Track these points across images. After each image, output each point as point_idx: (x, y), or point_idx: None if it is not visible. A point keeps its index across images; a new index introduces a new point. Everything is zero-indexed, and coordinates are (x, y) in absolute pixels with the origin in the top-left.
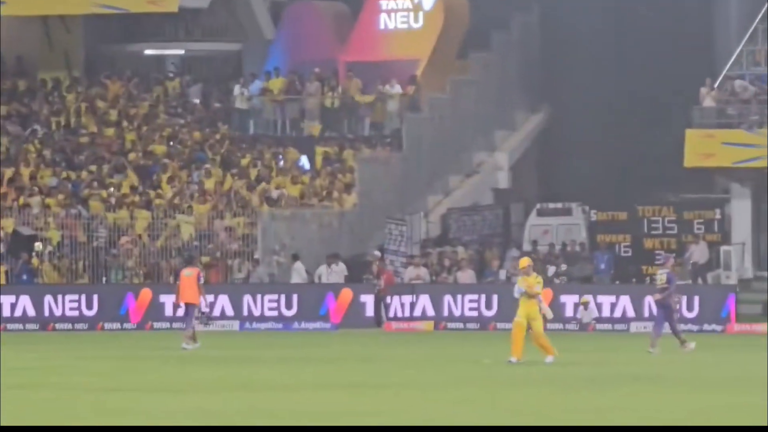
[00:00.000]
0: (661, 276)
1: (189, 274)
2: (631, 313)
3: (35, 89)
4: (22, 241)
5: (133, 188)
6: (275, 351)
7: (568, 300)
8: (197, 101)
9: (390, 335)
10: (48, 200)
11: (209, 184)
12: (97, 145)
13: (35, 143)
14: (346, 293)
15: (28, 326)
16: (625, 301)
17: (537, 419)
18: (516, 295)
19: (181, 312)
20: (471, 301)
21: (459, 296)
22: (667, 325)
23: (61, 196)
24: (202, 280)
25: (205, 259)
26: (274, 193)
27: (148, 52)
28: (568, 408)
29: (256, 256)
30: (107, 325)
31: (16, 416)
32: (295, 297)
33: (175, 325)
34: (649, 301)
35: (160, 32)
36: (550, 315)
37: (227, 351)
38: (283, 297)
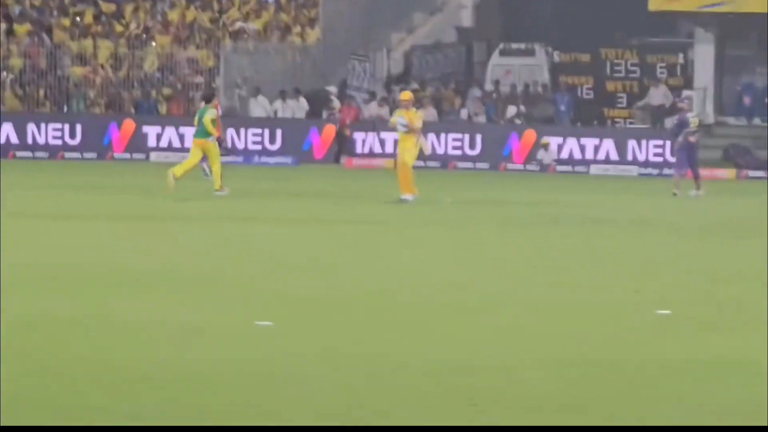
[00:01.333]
0: (693, 119)
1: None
2: (590, 155)
3: None
4: None
5: (96, 18)
6: (238, 183)
7: (529, 141)
8: None
9: (350, 172)
10: (13, 27)
11: (173, 15)
12: None
13: None
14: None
15: None
16: (585, 142)
17: (501, 253)
18: (399, 128)
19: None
20: (433, 139)
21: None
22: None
23: (25, 24)
24: (220, 112)
25: (166, 90)
26: (237, 26)
27: None
28: (515, 245)
29: (215, 86)
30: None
31: None
32: (258, 130)
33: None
34: (670, 143)
35: None
36: (427, 151)
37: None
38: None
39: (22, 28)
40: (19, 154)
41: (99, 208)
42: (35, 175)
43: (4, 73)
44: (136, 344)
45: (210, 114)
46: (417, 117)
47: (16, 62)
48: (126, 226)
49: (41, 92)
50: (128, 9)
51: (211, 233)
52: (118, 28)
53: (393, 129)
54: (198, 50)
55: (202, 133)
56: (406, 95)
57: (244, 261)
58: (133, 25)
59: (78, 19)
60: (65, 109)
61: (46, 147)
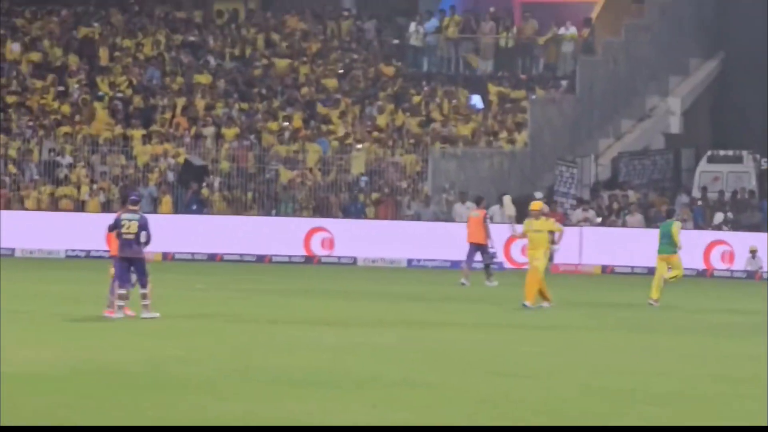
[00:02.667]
0: None
1: (476, 215)
2: None
3: (210, 20)
4: (193, 171)
5: (305, 122)
6: (439, 288)
7: (738, 248)
8: (371, 37)
9: (556, 278)
10: (221, 130)
11: (381, 121)
12: (270, 78)
13: (208, 74)
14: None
15: (197, 256)
16: None
17: (699, 365)
18: (515, 233)
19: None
20: (640, 245)
21: (628, 240)
22: None
23: (233, 128)
24: (488, 222)
25: (374, 195)
26: (446, 131)
27: None
28: (726, 354)
29: (425, 193)
30: (275, 258)
31: (181, 344)
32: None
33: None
34: None
35: None
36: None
37: (396, 287)
38: (449, 236)
39: (230, 132)
40: (227, 257)
41: (307, 312)
42: (242, 278)
43: (212, 177)
44: None
45: (677, 227)
46: (549, 225)
47: (225, 165)
48: (329, 330)
49: (249, 195)
50: (336, 113)
51: (403, 337)
52: (327, 132)
53: (523, 237)
54: (405, 155)
55: (668, 247)
56: (536, 205)
57: (439, 364)
58: (341, 130)
59: (287, 123)
60: (273, 212)
61: (253, 250)
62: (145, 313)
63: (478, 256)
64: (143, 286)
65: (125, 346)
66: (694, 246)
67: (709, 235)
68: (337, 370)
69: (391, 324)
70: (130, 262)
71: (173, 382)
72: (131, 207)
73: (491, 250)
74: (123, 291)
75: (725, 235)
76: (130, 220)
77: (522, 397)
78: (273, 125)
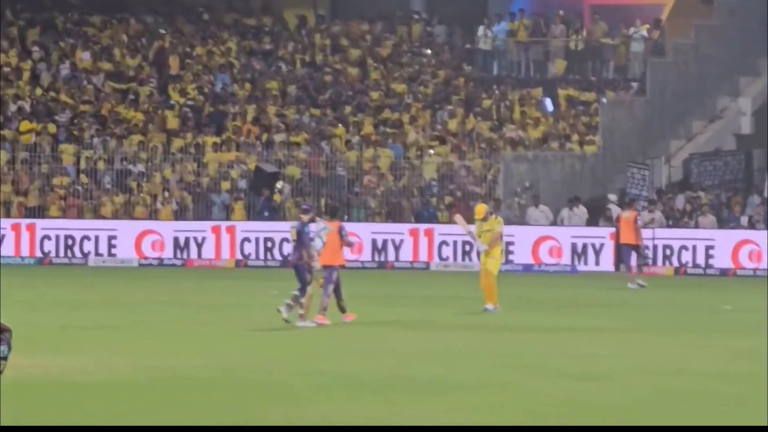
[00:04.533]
0: None
1: (627, 216)
2: None
3: (280, 27)
4: (265, 178)
5: (375, 127)
6: (515, 290)
7: None
8: (441, 41)
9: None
10: (291, 137)
11: (452, 125)
12: (340, 84)
13: (279, 81)
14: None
15: (270, 263)
16: None
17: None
18: (480, 250)
19: None
20: (711, 247)
21: (699, 242)
22: None
23: (304, 134)
24: (640, 222)
25: (447, 199)
26: (517, 135)
27: None
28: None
29: (497, 197)
30: (348, 264)
31: (256, 351)
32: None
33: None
34: None
35: None
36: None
37: (468, 290)
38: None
39: (301, 138)
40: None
41: (379, 316)
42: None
43: (281, 184)
44: None
45: None
46: (498, 223)
47: (296, 172)
48: (406, 333)
49: (321, 201)
50: (407, 118)
51: (481, 341)
52: (398, 136)
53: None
54: (477, 159)
55: None
56: (480, 210)
57: (513, 367)
58: (412, 135)
59: (358, 128)
60: (345, 218)
61: None
62: (300, 321)
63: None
64: (302, 294)
65: (202, 353)
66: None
67: None
68: (410, 374)
69: (464, 328)
70: (295, 269)
71: (249, 388)
72: (301, 216)
73: (645, 251)
74: (296, 292)
75: None
76: (292, 228)
77: (593, 399)
78: (343, 131)
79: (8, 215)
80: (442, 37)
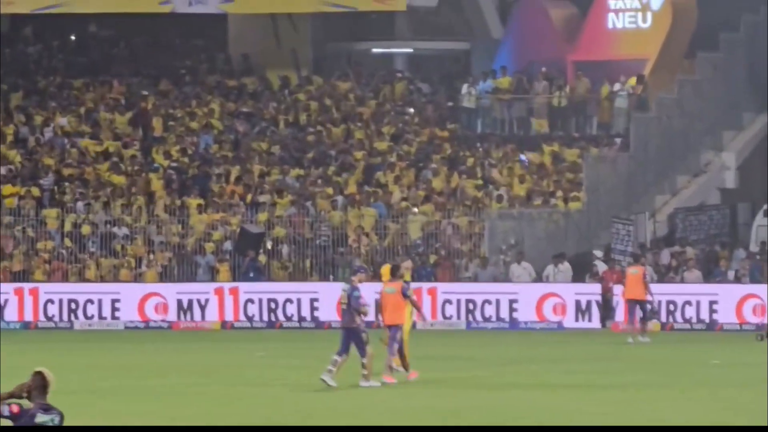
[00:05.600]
0: None
1: (635, 272)
2: None
3: (263, 88)
4: (250, 239)
5: (359, 186)
6: (498, 350)
7: None
8: (424, 100)
9: (616, 336)
10: (276, 198)
11: (436, 183)
12: (324, 144)
13: (262, 141)
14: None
15: (256, 324)
16: None
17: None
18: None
19: None
20: (697, 302)
21: (685, 297)
22: None
23: (288, 195)
24: (648, 278)
25: (432, 258)
26: (501, 192)
27: (375, 50)
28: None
29: (483, 254)
30: (335, 324)
31: (237, 412)
32: (518, 297)
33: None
34: None
35: (389, 31)
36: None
37: (455, 350)
38: (506, 297)
39: (285, 199)
40: (286, 324)
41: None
42: (301, 345)
43: (269, 243)
44: None
45: None
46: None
47: (281, 232)
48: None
49: (307, 262)
50: (391, 177)
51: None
52: (382, 196)
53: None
54: (462, 217)
55: None
56: (386, 271)
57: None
58: (396, 194)
59: (340, 188)
60: (331, 278)
61: (313, 318)
62: (363, 382)
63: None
64: (362, 355)
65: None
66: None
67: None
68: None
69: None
70: (347, 332)
71: None
72: (352, 278)
73: (652, 306)
74: (337, 357)
75: None
76: (343, 290)
77: None
78: (328, 191)
79: None
80: (425, 96)
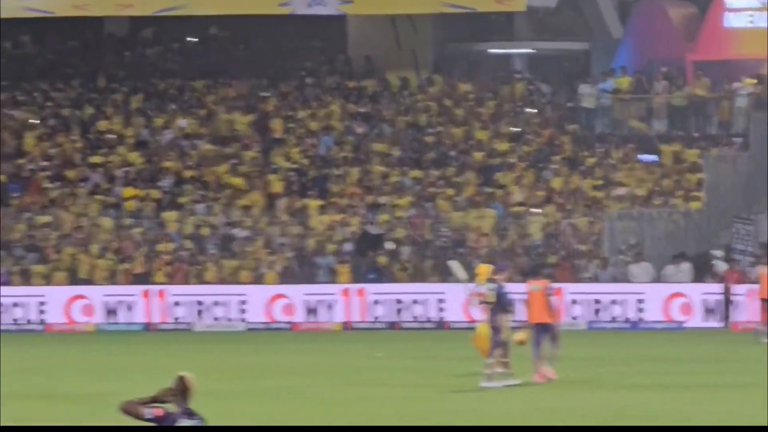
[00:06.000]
0: None
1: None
2: None
3: (383, 89)
4: (370, 240)
5: (479, 187)
6: (618, 350)
7: None
8: (544, 100)
9: (738, 335)
10: (395, 199)
11: (556, 184)
12: (443, 144)
13: (382, 142)
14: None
15: (377, 325)
16: None
17: None
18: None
19: None
20: None
21: None
22: None
23: (408, 196)
24: None
25: (552, 258)
26: (621, 192)
27: (494, 51)
28: None
29: (602, 255)
30: (454, 325)
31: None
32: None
33: None
34: None
35: (508, 31)
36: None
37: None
38: (628, 297)
39: (405, 200)
40: (405, 324)
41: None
42: (422, 346)
43: (390, 244)
44: None
45: None
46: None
47: (400, 233)
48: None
49: (427, 263)
50: (510, 178)
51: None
52: (502, 197)
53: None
54: (581, 217)
55: None
56: (483, 270)
57: None
58: (516, 194)
59: (460, 189)
60: (450, 279)
61: (439, 319)
62: (485, 382)
63: None
64: (490, 354)
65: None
66: None
67: None
68: None
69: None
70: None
71: None
72: (496, 277)
73: None
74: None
75: None
76: (489, 290)
77: None
78: (448, 192)
79: (114, 282)
80: (545, 96)
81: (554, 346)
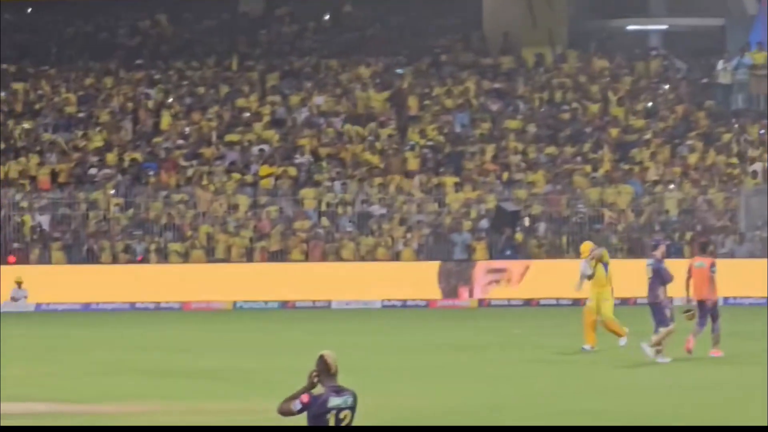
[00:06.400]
0: None
1: None
2: None
3: (518, 65)
4: (506, 217)
5: (615, 163)
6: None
7: None
8: (679, 76)
9: None
10: (531, 176)
11: (692, 160)
12: (579, 121)
13: (517, 119)
14: None
15: (513, 302)
16: None
17: None
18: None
19: None
20: None
21: None
22: None
23: (543, 172)
24: None
25: (688, 234)
26: (757, 168)
27: (630, 27)
28: None
29: (740, 231)
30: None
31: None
32: None
33: None
34: None
35: (643, 8)
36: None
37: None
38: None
39: (541, 176)
40: (543, 302)
41: (620, 353)
42: (557, 322)
43: (527, 220)
44: None
45: None
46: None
47: (537, 210)
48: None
49: (563, 239)
50: (646, 154)
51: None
52: (638, 173)
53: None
54: (717, 193)
55: None
56: (587, 247)
57: None
58: (652, 170)
59: (595, 165)
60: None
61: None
62: (656, 356)
63: None
64: (656, 330)
65: (440, 393)
66: None
67: None
68: (656, 411)
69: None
70: (651, 307)
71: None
72: (654, 253)
73: None
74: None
75: None
76: (648, 266)
77: None
78: (585, 168)
79: (250, 260)
80: (681, 72)
81: (715, 324)
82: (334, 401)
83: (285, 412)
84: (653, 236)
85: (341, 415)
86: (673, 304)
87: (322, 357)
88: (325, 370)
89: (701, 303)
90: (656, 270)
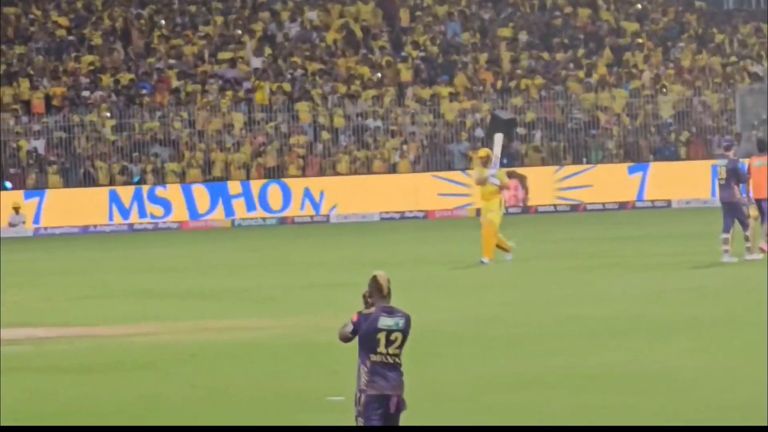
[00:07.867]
0: None
1: None
2: None
3: None
4: (501, 125)
5: (609, 68)
6: None
7: None
8: None
9: None
10: (525, 83)
11: (685, 62)
12: (571, 27)
13: (510, 27)
14: None
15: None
16: None
17: None
18: (492, 182)
19: None
20: None
21: None
22: None
23: (537, 79)
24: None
25: (685, 135)
26: (751, 68)
27: None
28: None
29: (735, 131)
30: (589, 207)
31: (498, 300)
32: None
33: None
34: None
35: None
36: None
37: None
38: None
39: (535, 83)
40: (541, 209)
41: (619, 259)
42: (555, 228)
43: (521, 129)
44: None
45: None
46: (503, 175)
47: (531, 117)
48: (640, 276)
49: (561, 145)
50: (640, 58)
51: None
52: (631, 77)
53: (481, 184)
54: (712, 94)
55: None
56: (484, 152)
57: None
58: (646, 74)
59: (589, 71)
60: (584, 160)
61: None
62: (747, 255)
63: None
64: (744, 229)
65: (443, 307)
66: None
67: None
68: (650, 315)
69: (704, 266)
70: (728, 207)
71: (492, 340)
72: (724, 152)
73: None
74: (724, 236)
75: None
76: (720, 166)
77: None
78: (579, 74)
79: (248, 177)
80: None
81: None
82: (385, 321)
83: (343, 337)
84: (725, 137)
85: (392, 337)
86: (751, 201)
87: (374, 277)
88: (377, 290)
89: (758, 201)
90: (732, 169)
